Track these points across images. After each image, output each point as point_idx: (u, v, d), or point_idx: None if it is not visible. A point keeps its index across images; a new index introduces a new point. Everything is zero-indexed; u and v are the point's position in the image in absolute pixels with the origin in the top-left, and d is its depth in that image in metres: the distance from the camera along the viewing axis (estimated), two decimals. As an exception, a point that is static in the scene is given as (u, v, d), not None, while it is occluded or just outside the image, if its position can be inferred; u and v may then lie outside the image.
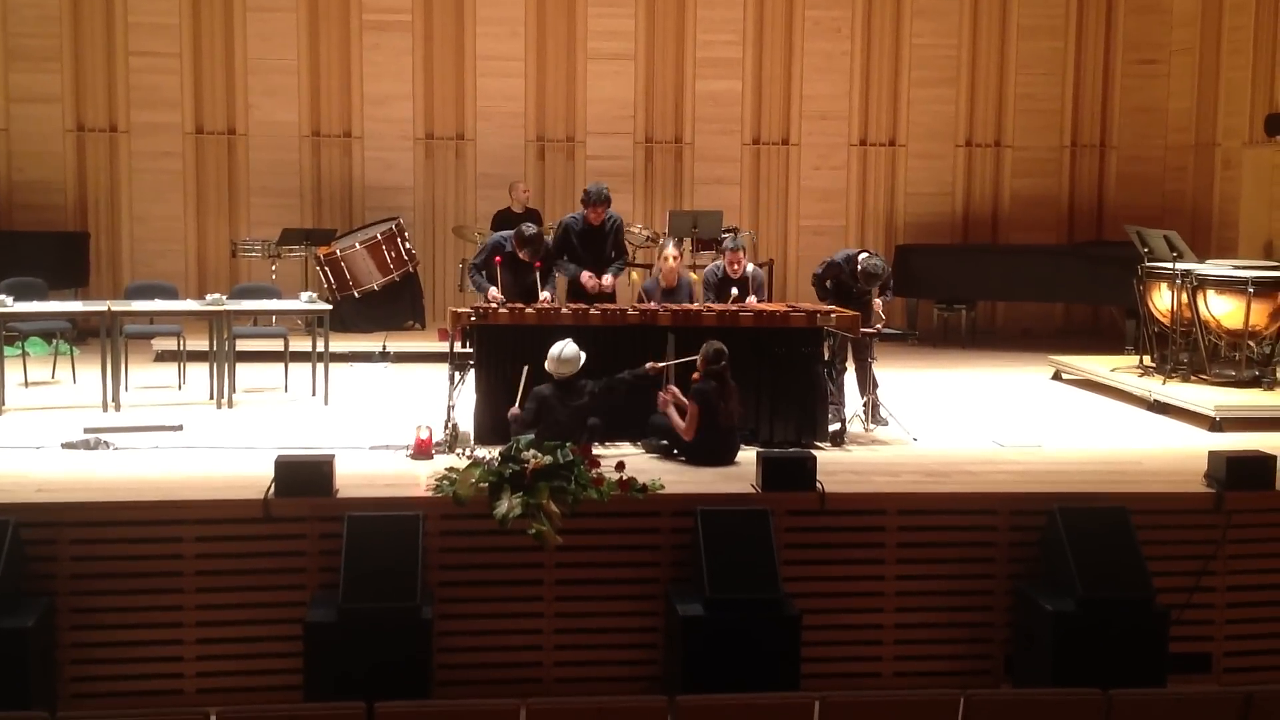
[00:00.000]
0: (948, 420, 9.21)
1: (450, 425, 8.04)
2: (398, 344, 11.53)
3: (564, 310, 8.49)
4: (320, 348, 9.69)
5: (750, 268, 9.08)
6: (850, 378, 8.98)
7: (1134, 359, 10.63)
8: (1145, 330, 10.49)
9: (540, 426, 7.52)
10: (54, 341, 10.59)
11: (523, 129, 13.48)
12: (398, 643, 6.32)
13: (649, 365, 8.01)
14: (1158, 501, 7.20)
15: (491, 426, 8.08)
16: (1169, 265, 9.86)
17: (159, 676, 6.65)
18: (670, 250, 9.17)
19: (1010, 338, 13.66)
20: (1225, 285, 9.61)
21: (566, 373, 7.75)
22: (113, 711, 6.31)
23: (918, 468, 7.76)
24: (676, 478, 7.33)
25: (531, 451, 6.92)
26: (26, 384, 9.95)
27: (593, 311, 8.44)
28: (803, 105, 13.75)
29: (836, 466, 7.65)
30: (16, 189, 12.89)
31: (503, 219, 11.76)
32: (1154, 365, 10.18)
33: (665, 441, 7.93)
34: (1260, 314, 9.50)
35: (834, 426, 8.45)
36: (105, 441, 7.89)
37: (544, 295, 8.81)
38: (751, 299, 8.83)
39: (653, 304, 8.68)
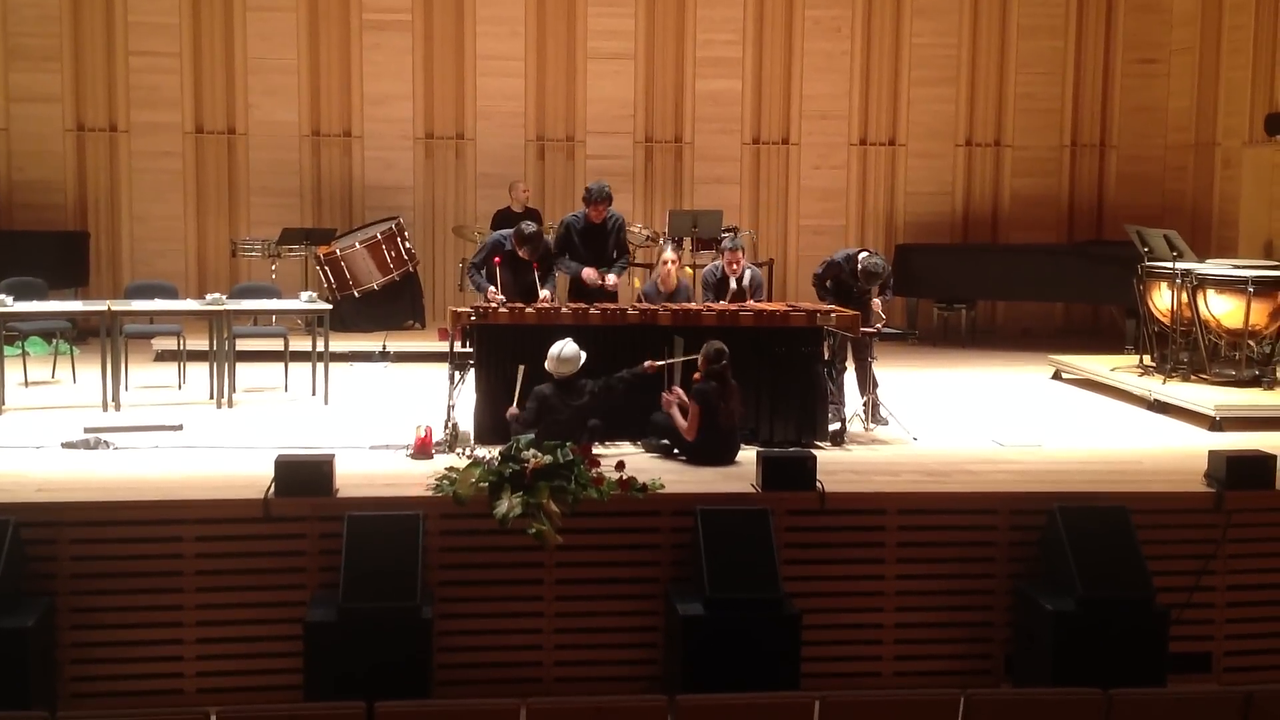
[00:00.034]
0: (948, 420, 9.21)
1: (450, 425, 8.04)
2: (398, 344, 11.53)
3: (564, 310, 8.49)
4: (320, 347, 9.69)
5: (749, 270, 9.08)
6: (850, 377, 8.98)
7: (1134, 358, 10.63)
8: (1145, 330, 10.49)
9: (540, 426, 7.52)
10: (54, 341, 10.59)
11: (523, 128, 13.48)
12: (398, 642, 6.32)
13: (647, 363, 8.01)
14: (1158, 501, 7.20)
15: (491, 426, 8.07)
16: (1169, 265, 9.86)
17: (159, 676, 6.65)
18: (668, 255, 9.17)
19: (1010, 337, 13.66)
20: (1225, 285, 9.60)
21: (566, 372, 7.75)
22: (113, 711, 6.31)
23: (918, 467, 7.76)
24: (676, 477, 7.33)
25: (531, 451, 6.92)
26: (26, 384, 9.95)
27: (593, 311, 8.44)
28: (803, 105, 13.75)
29: (836, 466, 7.65)
30: (16, 188, 12.89)
31: (503, 219, 11.75)
32: (1154, 365, 10.18)
33: (666, 441, 7.93)
34: (1260, 313, 9.50)
35: (834, 426, 8.45)
36: (105, 441, 7.89)
37: (544, 293, 8.81)
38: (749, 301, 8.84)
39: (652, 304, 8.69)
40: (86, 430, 8.15)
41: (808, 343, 8.43)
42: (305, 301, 9.99)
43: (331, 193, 13.31)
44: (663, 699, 5.25)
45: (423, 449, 7.70)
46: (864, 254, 9.03)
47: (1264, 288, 9.48)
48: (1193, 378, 9.74)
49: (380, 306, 12.19)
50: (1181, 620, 6.96)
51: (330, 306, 10.15)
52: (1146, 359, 10.36)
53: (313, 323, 9.93)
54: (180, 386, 10.03)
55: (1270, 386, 9.51)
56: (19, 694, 6.02)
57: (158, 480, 7.17)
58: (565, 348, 7.77)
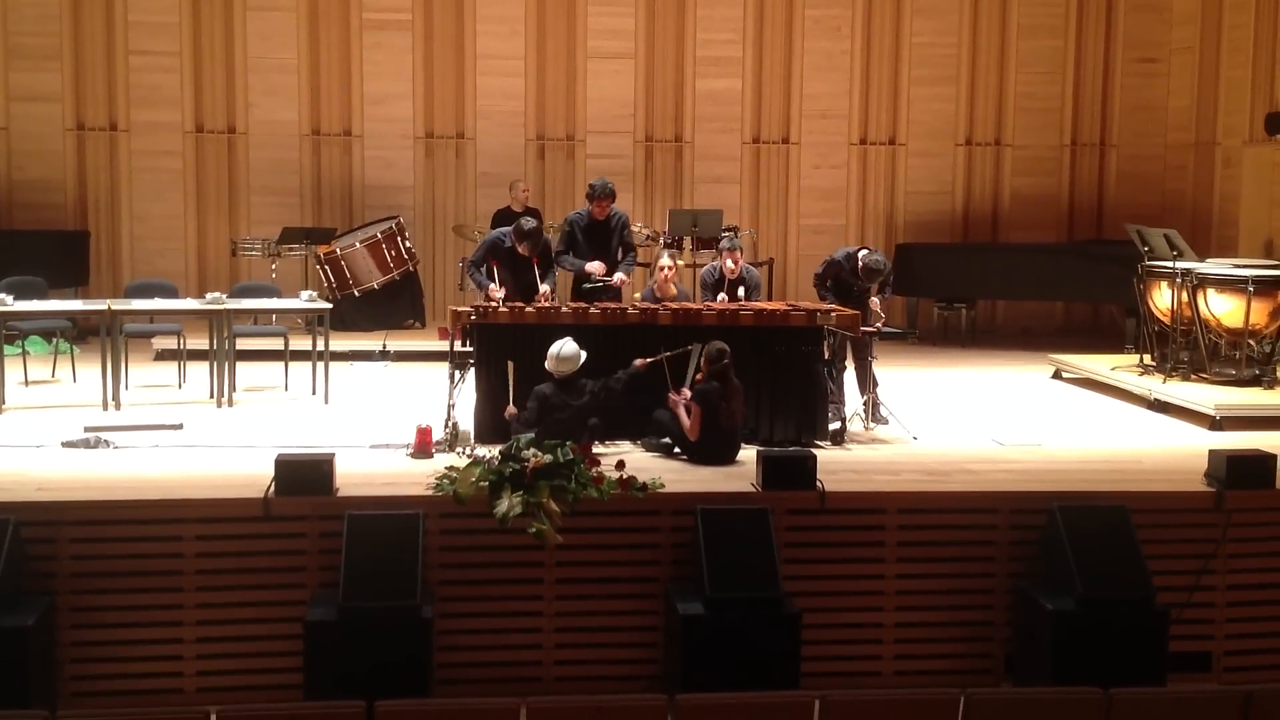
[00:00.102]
0: (948, 419, 9.21)
1: (450, 424, 8.03)
2: (398, 343, 11.53)
3: (564, 309, 8.49)
4: (320, 346, 9.69)
5: (748, 270, 9.08)
6: (850, 376, 8.98)
7: (1134, 358, 10.63)
8: (1145, 329, 10.48)
9: (541, 426, 7.52)
10: (54, 340, 10.59)
11: (523, 128, 13.48)
12: (398, 642, 6.32)
13: (637, 362, 7.99)
14: (1158, 500, 7.20)
15: (492, 425, 8.07)
16: (1169, 264, 9.86)
17: (159, 675, 6.66)
18: (665, 261, 9.16)
19: (1010, 336, 13.66)
20: (1225, 284, 9.60)
21: (567, 371, 7.75)
22: (113, 711, 6.29)
23: (918, 467, 7.76)
24: (677, 476, 7.33)
25: (531, 450, 6.93)
26: (26, 383, 9.95)
27: (593, 311, 8.44)
28: (803, 104, 13.75)
29: (836, 465, 7.65)
30: (16, 188, 12.89)
31: (502, 218, 11.73)
32: (1154, 364, 10.18)
33: (666, 440, 7.93)
34: (1260, 313, 9.49)
35: (834, 425, 8.45)
36: (105, 440, 7.89)
37: (544, 288, 8.81)
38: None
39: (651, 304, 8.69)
40: (86, 429, 8.15)
41: (808, 342, 8.43)
42: (305, 301, 9.99)
43: (331, 192, 13.31)
44: (663, 698, 5.25)
45: (423, 448, 7.70)
46: (864, 251, 9.03)
47: (1264, 287, 9.47)
48: (1193, 377, 9.74)
49: (380, 306, 12.20)
50: (1181, 620, 6.96)
51: (330, 306, 10.15)
52: (1146, 358, 10.35)
53: (313, 322, 9.93)
54: (180, 386, 10.03)
55: (1270, 386, 9.51)
56: (19, 693, 6.02)
57: (158, 479, 7.17)
58: (565, 347, 7.77)
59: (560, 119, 13.53)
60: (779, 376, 8.37)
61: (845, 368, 8.81)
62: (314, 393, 9.65)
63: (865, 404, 8.91)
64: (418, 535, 6.54)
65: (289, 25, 13.12)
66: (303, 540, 6.73)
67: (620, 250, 9.45)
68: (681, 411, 7.77)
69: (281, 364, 10.06)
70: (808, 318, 8.45)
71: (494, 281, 8.80)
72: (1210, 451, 7.42)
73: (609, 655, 6.94)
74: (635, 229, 12.10)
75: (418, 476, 7.18)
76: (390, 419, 8.68)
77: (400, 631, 6.33)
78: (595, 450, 7.45)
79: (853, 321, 8.47)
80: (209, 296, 9.74)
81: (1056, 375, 11.02)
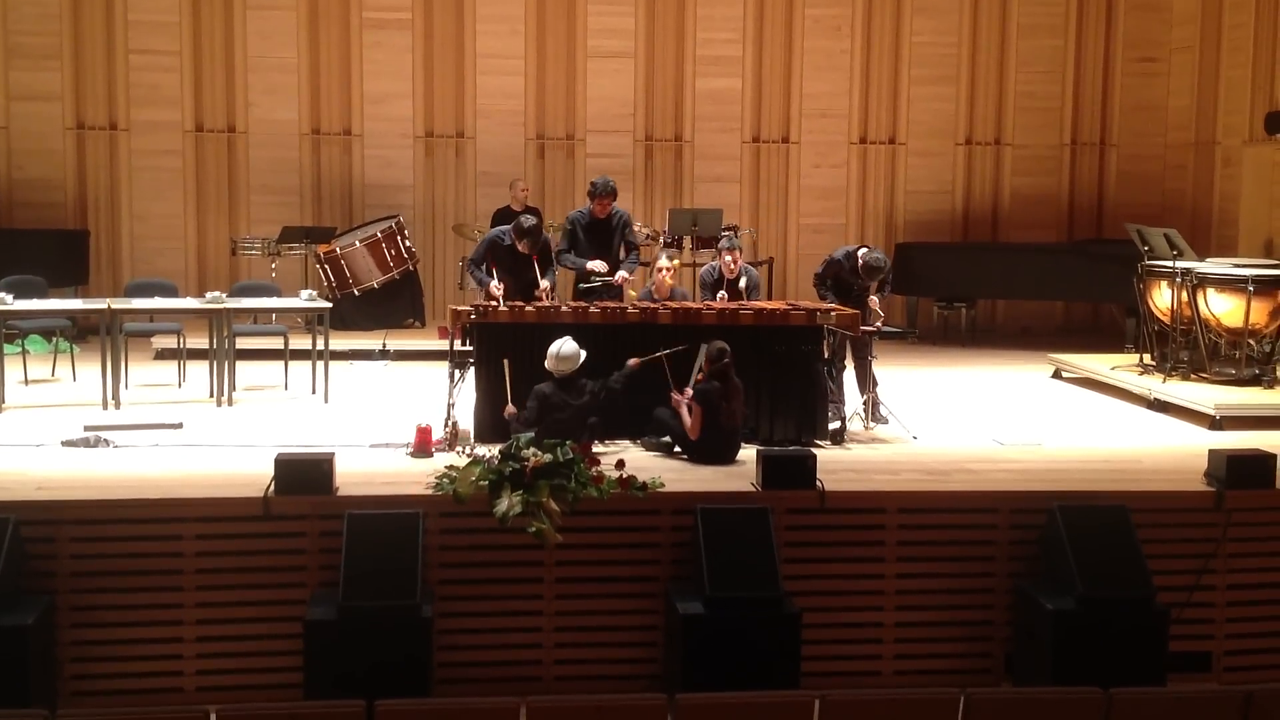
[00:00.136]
0: (948, 419, 9.20)
1: (450, 423, 8.04)
2: (398, 342, 11.53)
3: (564, 308, 8.49)
4: (320, 346, 9.68)
5: (747, 270, 9.07)
6: (850, 376, 8.98)
7: (1134, 357, 10.63)
8: (1145, 328, 10.48)
9: (541, 425, 7.52)
10: (54, 339, 10.59)
11: (523, 127, 13.48)
12: (398, 641, 6.32)
13: (632, 360, 7.99)
14: (1158, 500, 7.19)
15: (491, 424, 8.07)
16: (1169, 263, 9.86)
17: (159, 675, 6.65)
18: (664, 263, 9.15)
19: (1010, 336, 13.66)
20: (1225, 283, 9.60)
21: (566, 370, 7.74)
22: (113, 710, 6.29)
23: (918, 466, 7.76)
24: (676, 476, 7.32)
25: (531, 450, 6.92)
26: (26, 382, 9.95)
27: (593, 310, 8.44)
28: (803, 103, 13.75)
29: (836, 465, 7.65)
30: (16, 187, 12.89)
31: (502, 217, 11.73)
32: (1154, 363, 10.18)
33: (666, 439, 7.93)
34: (1260, 312, 9.49)
35: (834, 425, 8.45)
36: (105, 439, 7.89)
37: (544, 284, 8.80)
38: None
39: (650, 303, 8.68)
40: (86, 428, 8.15)
41: (807, 341, 8.43)
42: (305, 300, 9.99)
43: (331, 191, 13.31)
44: (662, 698, 5.25)
45: (423, 447, 7.70)
46: (864, 250, 9.03)
47: (1264, 286, 9.47)
48: (1193, 376, 9.73)
49: (380, 305, 12.19)
50: (1181, 619, 6.96)
51: (330, 305, 10.15)
52: (1146, 358, 10.35)
53: (313, 321, 9.93)
54: (180, 385, 10.03)
55: (1270, 385, 9.51)
56: (19, 692, 6.02)
57: (158, 479, 7.17)
58: (565, 346, 7.77)
59: (560, 118, 13.53)
60: (779, 376, 8.37)
61: (845, 367, 8.81)
62: (314, 392, 9.65)
63: (865, 403, 8.91)
64: (417, 535, 6.54)
65: (289, 24, 13.13)
66: (302, 539, 6.73)
67: (623, 249, 9.45)
68: (684, 410, 7.77)
69: (281, 363, 10.06)
70: (807, 317, 8.45)
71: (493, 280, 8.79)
72: (1210, 451, 7.42)
73: (609, 655, 6.94)
74: (636, 228, 12.10)
75: (417, 476, 7.18)
76: (390, 418, 8.68)
77: (400, 631, 6.33)
78: (595, 449, 7.45)
79: (852, 321, 8.47)
80: (209, 296, 9.74)
81: (1056, 375, 11.02)
